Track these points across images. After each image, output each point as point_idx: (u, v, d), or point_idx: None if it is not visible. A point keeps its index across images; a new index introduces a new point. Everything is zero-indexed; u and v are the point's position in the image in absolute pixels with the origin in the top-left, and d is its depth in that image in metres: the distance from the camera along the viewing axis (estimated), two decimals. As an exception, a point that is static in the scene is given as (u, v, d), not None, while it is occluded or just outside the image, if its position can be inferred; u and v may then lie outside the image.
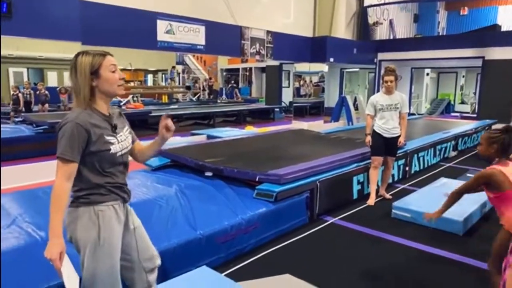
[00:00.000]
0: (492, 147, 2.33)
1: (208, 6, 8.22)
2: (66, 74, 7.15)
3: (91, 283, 1.66)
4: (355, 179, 4.50)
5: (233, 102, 17.07)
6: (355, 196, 4.53)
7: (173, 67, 21.74)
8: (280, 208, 3.45)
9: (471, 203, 3.95)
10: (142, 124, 10.12)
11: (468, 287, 2.76)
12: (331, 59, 10.08)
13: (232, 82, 20.36)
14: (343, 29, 11.09)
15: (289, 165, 3.88)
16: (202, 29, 7.78)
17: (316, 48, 10.09)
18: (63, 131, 1.59)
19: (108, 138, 1.68)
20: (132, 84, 20.29)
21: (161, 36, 7.12)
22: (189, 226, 2.94)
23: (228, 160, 4.39)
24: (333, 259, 3.12)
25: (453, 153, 7.37)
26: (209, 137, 7.33)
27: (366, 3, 12.45)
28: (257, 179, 3.65)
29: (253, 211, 3.22)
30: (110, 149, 1.68)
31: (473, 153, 7.71)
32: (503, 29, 11.13)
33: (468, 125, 8.81)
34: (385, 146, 4.44)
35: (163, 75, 24.63)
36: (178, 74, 21.64)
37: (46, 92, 10.88)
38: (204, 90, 20.60)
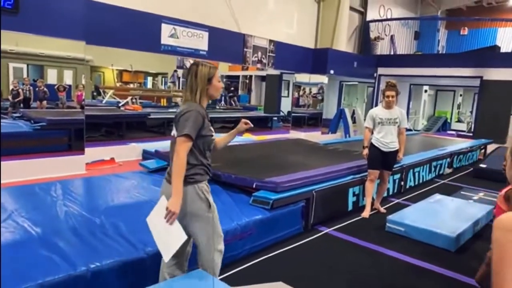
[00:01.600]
0: None
1: (212, 12, 8.30)
2: (67, 72, 7.19)
3: (208, 245, 2.18)
4: (350, 191, 4.53)
5: (231, 109, 17.12)
6: (350, 207, 4.56)
7: (175, 70, 21.82)
8: (275, 216, 3.47)
9: (464, 220, 3.99)
10: (140, 126, 10.12)
11: (459, 303, 2.78)
12: (332, 71, 10.16)
13: (232, 89, 20.44)
14: (344, 42, 11.21)
15: (286, 174, 3.91)
16: (206, 34, 7.83)
17: (317, 59, 10.18)
18: (188, 116, 2.05)
19: (210, 127, 2.20)
20: (131, 85, 20.33)
21: (165, 39, 7.17)
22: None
23: (225, 166, 4.40)
24: (326, 269, 3.13)
25: (448, 170, 7.43)
26: (206, 141, 7.35)
27: (368, 18, 12.62)
28: (254, 186, 3.67)
29: (249, 218, 3.23)
30: (212, 135, 2.20)
31: (468, 171, 7.77)
32: (502, 50, 11.29)
33: (463, 144, 8.90)
34: (382, 160, 4.48)
35: (163, 78, 24.70)
36: (179, 78, 21.73)
37: (45, 89, 10.86)
38: (203, 95, 20.61)
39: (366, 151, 4.52)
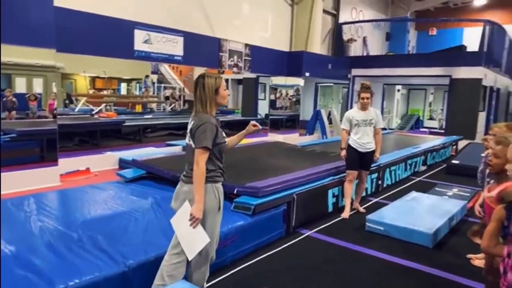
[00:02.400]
0: None
1: (187, 17, 8.25)
2: (36, 81, 6.96)
3: (211, 238, 2.32)
4: (330, 192, 4.58)
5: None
6: (330, 209, 4.61)
7: (147, 76, 21.48)
8: (258, 221, 3.46)
9: (440, 216, 4.11)
10: (115, 134, 9.91)
11: (439, 299, 2.85)
12: (307, 74, 10.28)
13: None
14: (318, 45, 11.37)
15: (267, 178, 3.91)
16: (181, 40, 7.77)
17: (292, 62, 10.27)
18: (204, 128, 2.24)
19: (223, 134, 2.40)
20: (105, 92, 19.89)
21: (139, 45, 7.05)
22: (166, 239, 2.89)
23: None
24: (310, 272, 3.15)
25: (422, 168, 7.64)
26: (184, 148, 7.27)
27: (341, 20, 12.86)
28: (235, 192, 3.66)
29: (231, 225, 3.21)
30: (225, 141, 2.42)
31: (441, 167, 8.02)
32: (468, 49, 11.73)
33: (436, 141, 9.17)
34: (360, 160, 4.56)
35: (137, 84, 24.28)
36: (153, 83, 21.42)
37: (14, 99, 10.48)
38: (178, 100, 20.46)
39: (344, 152, 4.59)
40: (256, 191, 3.59)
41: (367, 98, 4.50)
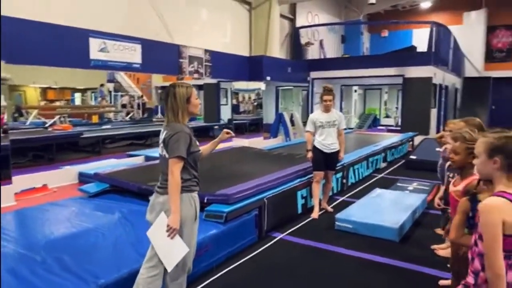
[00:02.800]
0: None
1: (144, 24, 8.07)
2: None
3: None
4: (299, 194, 4.64)
5: (170, 121, 16.71)
6: (299, 210, 4.67)
7: (102, 85, 20.77)
8: (230, 229, 3.44)
9: (404, 211, 4.28)
10: (72, 147, 9.48)
11: (409, 291, 2.96)
12: (268, 78, 10.39)
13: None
14: (277, 49, 11.53)
15: (237, 184, 3.90)
16: (138, 47, 7.59)
17: (253, 67, 10.34)
18: (177, 138, 2.23)
19: (196, 143, 2.38)
20: (58, 103, 18.97)
21: (95, 54, 6.81)
22: (137, 254, 2.81)
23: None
24: (286, 275, 3.17)
25: (383, 164, 7.95)
26: (147, 158, 7.09)
27: (298, 24, 13.12)
28: (205, 201, 3.61)
29: (204, 234, 3.16)
30: (199, 150, 2.41)
31: (400, 163, 8.38)
32: (418, 50, 12.38)
33: (394, 138, 9.57)
34: (325, 161, 4.66)
35: (93, 94, 23.38)
36: (110, 92, 20.73)
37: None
38: (138, 108, 19.94)
39: (310, 154, 4.67)
40: (226, 198, 3.56)
41: (330, 100, 4.62)
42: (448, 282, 2.96)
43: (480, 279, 1.49)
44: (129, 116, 18.63)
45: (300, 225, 4.34)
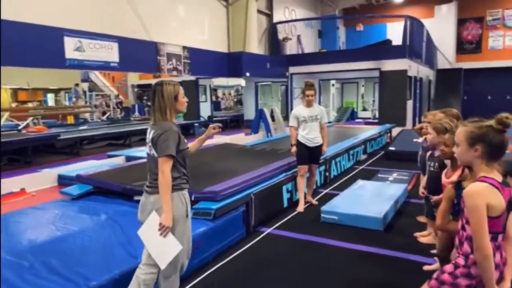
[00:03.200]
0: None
1: (120, 22, 7.92)
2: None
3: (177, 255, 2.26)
4: (284, 188, 4.70)
5: (148, 119, 16.48)
6: (285, 204, 4.73)
7: (76, 84, 20.24)
8: (219, 225, 3.45)
9: (387, 201, 4.41)
10: (49, 149, 9.22)
11: (393, 277, 3.05)
12: (247, 74, 10.40)
13: (145, 98, 19.60)
14: (256, 45, 11.54)
15: (223, 181, 3.91)
16: (115, 45, 7.45)
17: (232, 63, 10.32)
18: (166, 136, 2.22)
19: (185, 140, 2.37)
20: (30, 105, 18.36)
21: (70, 53, 6.64)
22: (128, 254, 2.79)
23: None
24: (275, 268, 3.22)
25: (363, 156, 8.12)
26: (128, 158, 6.99)
27: (275, 20, 13.16)
28: (192, 198, 3.59)
29: (194, 231, 3.15)
30: (188, 148, 2.41)
31: (380, 155, 8.57)
32: (393, 43, 12.66)
33: (373, 130, 9.77)
34: (309, 155, 4.73)
35: (66, 94, 22.72)
36: (84, 92, 20.21)
37: None
38: (114, 108, 19.55)
39: (294, 149, 4.73)
40: (214, 195, 3.57)
41: (312, 95, 4.69)
42: (432, 267, 3.08)
43: (470, 261, 1.57)
44: (106, 116, 18.25)
45: (286, 219, 4.40)
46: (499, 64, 16.21)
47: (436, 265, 3.06)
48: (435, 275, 1.70)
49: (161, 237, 2.20)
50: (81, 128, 12.55)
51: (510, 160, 1.87)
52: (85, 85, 20.70)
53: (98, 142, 11.00)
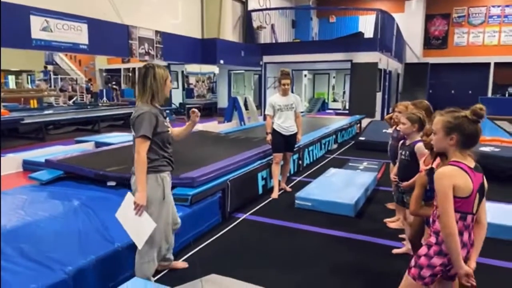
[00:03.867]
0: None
1: (90, 2, 7.62)
2: None
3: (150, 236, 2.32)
4: (259, 175, 4.76)
5: (117, 105, 16.03)
6: (260, 191, 4.79)
7: (45, 67, 19.35)
8: (195, 211, 3.46)
9: (358, 188, 4.57)
10: (12, 133, 8.82)
11: (364, 260, 3.19)
12: (221, 61, 10.32)
13: (113, 83, 19.04)
14: (230, 32, 11.45)
15: (200, 167, 3.91)
16: (85, 27, 7.18)
17: (206, 49, 10.21)
18: (142, 118, 2.29)
19: (165, 123, 2.43)
20: (-12, 87, 17.38)
21: (36, 33, 6.35)
22: (104, 239, 2.76)
23: (131, 167, 4.17)
24: (251, 252, 3.28)
25: (334, 146, 8.32)
26: (97, 144, 6.82)
27: (249, 8, 13.07)
28: (169, 184, 3.58)
29: (171, 217, 3.16)
30: (168, 130, 2.46)
31: (350, 144, 8.81)
32: (365, 36, 12.92)
33: (343, 121, 10.00)
34: (285, 143, 4.80)
35: (29, 76, 21.66)
36: (49, 75, 19.36)
37: None
38: (83, 93, 18.87)
39: (269, 137, 4.77)
40: (191, 181, 3.57)
41: (288, 84, 4.73)
42: (400, 250, 3.25)
43: (440, 238, 1.68)
44: (73, 100, 17.58)
45: (261, 205, 4.47)
46: (463, 60, 16.97)
47: (404, 249, 3.23)
48: (412, 263, 1.77)
49: (136, 216, 2.26)
50: (46, 112, 12.04)
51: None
52: (49, 68, 19.82)
53: (65, 127, 10.63)
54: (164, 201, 2.46)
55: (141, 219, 2.27)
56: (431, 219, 1.77)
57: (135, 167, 2.31)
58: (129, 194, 2.36)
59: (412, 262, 1.77)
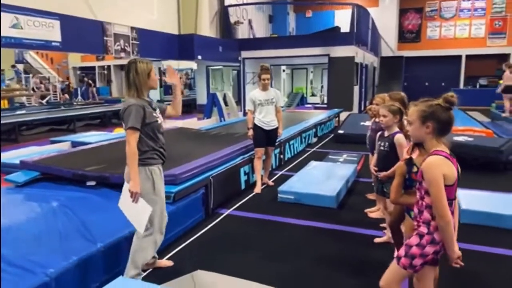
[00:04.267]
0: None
1: (62, -2, 7.40)
2: None
3: (149, 221, 2.53)
4: (242, 170, 4.76)
5: (92, 104, 15.67)
6: (243, 186, 4.80)
7: (13, 66, 18.65)
8: (178, 208, 3.44)
9: (339, 180, 4.64)
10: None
11: (347, 250, 3.25)
12: (199, 57, 10.23)
13: (87, 80, 18.59)
14: (207, 28, 11.36)
15: (182, 164, 3.88)
16: (57, 23, 6.97)
17: (183, 45, 10.09)
18: (129, 111, 2.40)
19: (154, 114, 2.53)
20: (-44, 87, 16.64)
21: (6, 31, 6.11)
22: (85, 240, 2.70)
23: (111, 166, 4.11)
24: (235, 247, 3.29)
25: (314, 139, 8.41)
26: (74, 143, 6.65)
27: (226, 3, 12.99)
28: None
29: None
30: (157, 120, 2.55)
31: (329, 137, 8.93)
32: (342, 31, 13.07)
33: (322, 115, 10.11)
34: (266, 138, 4.82)
35: (-1, 76, 20.87)
36: (20, 73, 18.70)
37: None
38: (55, 91, 18.34)
39: (251, 132, 4.78)
40: (174, 178, 3.54)
41: (268, 79, 4.74)
42: (381, 239, 3.33)
43: (432, 227, 1.72)
44: (46, 99, 17.07)
45: (244, 200, 4.48)
46: (436, 53, 17.42)
47: (385, 238, 3.31)
48: (402, 252, 1.79)
49: (134, 204, 2.43)
50: (18, 112, 11.65)
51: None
52: (20, 67, 19.15)
53: (39, 127, 10.33)
54: (155, 194, 2.57)
55: (138, 205, 2.43)
56: (416, 209, 1.80)
57: (127, 158, 2.43)
58: (125, 184, 2.50)
59: (402, 252, 1.79)
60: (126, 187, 2.49)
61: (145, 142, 2.50)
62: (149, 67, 2.52)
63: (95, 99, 17.13)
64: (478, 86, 17.25)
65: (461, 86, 17.39)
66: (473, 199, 3.90)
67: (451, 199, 1.69)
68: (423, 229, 1.74)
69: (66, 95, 18.24)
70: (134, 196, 2.42)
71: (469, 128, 7.48)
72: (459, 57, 17.26)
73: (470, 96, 15.43)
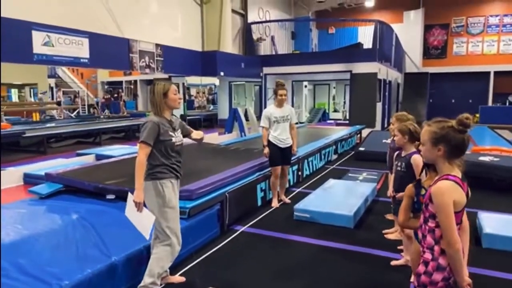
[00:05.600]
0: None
1: (91, 17, 7.74)
2: None
3: (164, 232, 2.70)
4: (258, 187, 4.76)
5: (118, 117, 16.12)
6: (259, 203, 4.79)
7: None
8: (193, 224, 3.46)
9: (357, 199, 4.56)
10: (13, 147, 8.87)
11: (363, 272, 3.17)
12: (222, 73, 10.40)
13: (115, 95, 19.22)
14: (230, 44, 11.56)
15: (198, 180, 3.92)
16: (86, 41, 7.27)
17: (206, 62, 10.29)
18: (145, 126, 2.59)
19: (170, 133, 2.67)
20: (-8, 100, 17.52)
21: (38, 48, 6.43)
22: (101, 253, 2.76)
23: (131, 180, 4.16)
24: (249, 265, 3.27)
25: (334, 156, 8.32)
26: (98, 156, 6.85)
27: (249, 20, 13.22)
28: (167, 197, 3.59)
29: (168, 230, 3.16)
30: (171, 139, 2.67)
31: (350, 155, 8.81)
32: (365, 47, 13.01)
33: (343, 131, 10.01)
34: (281, 155, 4.79)
35: (32, 90, 21.83)
36: (51, 88, 19.53)
37: None
38: (84, 105, 19.03)
39: (267, 150, 4.73)
40: (189, 194, 3.58)
41: (285, 95, 4.75)
42: (398, 262, 3.23)
43: (435, 253, 1.66)
44: (76, 113, 17.71)
45: (260, 217, 4.46)
46: (463, 69, 17.02)
47: (402, 261, 3.22)
48: (415, 282, 1.73)
49: (138, 212, 2.56)
50: (48, 125, 12.13)
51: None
52: (51, 81, 20.00)
53: (66, 140, 10.69)
54: (167, 205, 2.66)
55: (142, 214, 2.56)
56: (420, 233, 1.75)
57: (135, 168, 2.56)
58: (129, 194, 2.63)
59: (415, 282, 1.73)
60: (130, 197, 2.60)
61: (157, 158, 2.64)
62: (166, 87, 2.67)
63: (124, 112, 17.64)
64: (507, 103, 16.68)
65: (490, 103, 16.86)
66: (497, 223, 3.75)
67: (458, 224, 1.63)
68: (428, 255, 1.68)
69: (106, 110, 18.80)
70: (138, 206, 2.53)
71: (495, 147, 7.23)
72: (487, 73, 16.79)
73: (499, 114, 14.93)
